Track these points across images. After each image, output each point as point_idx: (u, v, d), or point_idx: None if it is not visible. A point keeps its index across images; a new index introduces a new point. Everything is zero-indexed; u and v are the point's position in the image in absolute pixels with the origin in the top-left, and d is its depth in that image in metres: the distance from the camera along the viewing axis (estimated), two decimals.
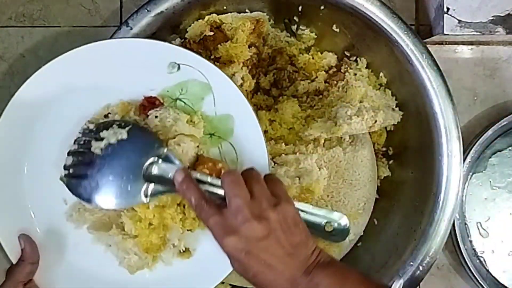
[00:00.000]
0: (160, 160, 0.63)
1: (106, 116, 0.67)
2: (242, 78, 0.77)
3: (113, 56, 0.66)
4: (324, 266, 0.56)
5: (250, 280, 0.56)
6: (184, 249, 0.67)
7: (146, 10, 0.73)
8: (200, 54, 0.77)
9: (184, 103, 0.68)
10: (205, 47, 0.77)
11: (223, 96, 0.67)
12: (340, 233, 0.62)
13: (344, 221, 0.62)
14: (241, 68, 0.76)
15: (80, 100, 0.67)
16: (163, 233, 0.65)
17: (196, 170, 0.64)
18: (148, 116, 0.66)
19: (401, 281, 0.56)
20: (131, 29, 0.73)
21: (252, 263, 0.55)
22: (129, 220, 0.64)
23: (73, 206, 0.67)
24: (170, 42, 0.78)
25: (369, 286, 0.56)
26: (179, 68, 0.67)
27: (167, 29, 0.77)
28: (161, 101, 0.67)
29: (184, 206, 0.66)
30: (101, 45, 0.66)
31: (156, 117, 0.66)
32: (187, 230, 0.67)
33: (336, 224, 0.62)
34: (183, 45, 0.78)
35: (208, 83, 0.67)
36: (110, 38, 0.73)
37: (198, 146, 0.67)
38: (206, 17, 0.78)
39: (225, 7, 0.78)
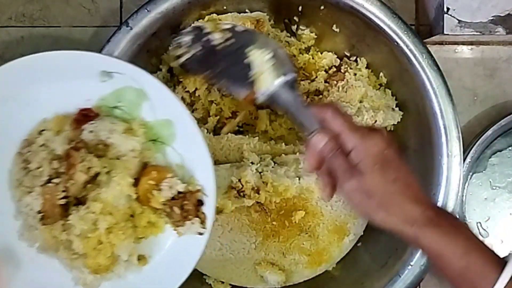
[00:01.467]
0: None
1: (40, 132, 0.66)
2: None
3: (45, 70, 0.64)
4: (441, 210, 0.55)
5: (380, 216, 0.54)
6: (138, 260, 0.66)
7: (146, 10, 0.73)
8: None
9: (123, 111, 0.67)
10: None
11: (160, 102, 0.66)
12: None
13: None
14: None
15: (16, 116, 0.66)
16: (111, 251, 0.64)
17: (141, 180, 0.65)
18: (83, 130, 0.65)
19: None
20: (131, 29, 0.73)
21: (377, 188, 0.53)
22: (76, 237, 0.63)
23: (24, 225, 0.66)
24: (170, 43, 0.78)
25: (493, 255, 0.53)
26: (111, 76, 0.66)
27: (167, 29, 0.77)
28: (97, 112, 0.66)
29: (132, 216, 0.66)
30: (31, 58, 0.64)
31: (90, 131, 0.65)
32: (140, 238, 0.67)
33: None
34: None
35: (142, 89, 0.66)
36: (110, 38, 0.73)
37: (141, 153, 0.66)
38: (206, 17, 0.78)
39: (225, 7, 0.78)
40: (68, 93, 0.66)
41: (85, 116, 0.66)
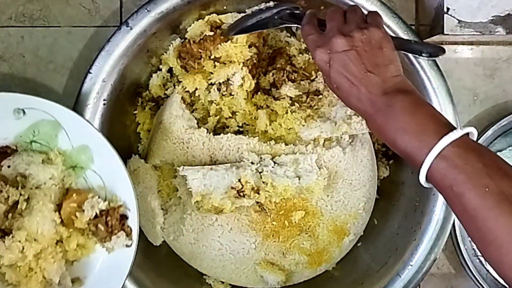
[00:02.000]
0: None
1: None
2: (242, 78, 0.77)
3: None
4: (403, 92, 0.59)
5: (336, 93, 0.63)
6: (72, 283, 0.69)
7: (146, 10, 0.73)
8: (200, 54, 0.77)
9: (40, 143, 0.71)
10: (205, 47, 0.77)
11: (74, 129, 0.69)
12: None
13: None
14: (241, 68, 0.76)
15: None
16: (42, 276, 0.66)
17: (63, 204, 0.68)
18: (2, 167, 0.68)
19: (475, 131, 0.56)
20: (131, 29, 0.73)
21: (334, 75, 0.61)
22: (7, 268, 0.66)
23: None
24: (170, 43, 0.78)
25: (438, 123, 0.57)
26: (24, 112, 0.69)
27: (167, 29, 0.77)
28: (14, 148, 0.70)
29: (62, 242, 0.69)
30: None
31: (8, 166, 0.68)
32: (73, 261, 0.70)
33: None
34: (183, 45, 0.78)
35: (56, 120, 0.69)
36: (110, 38, 0.73)
37: (62, 180, 0.70)
38: (206, 17, 0.78)
39: (225, 7, 0.78)
40: None
41: (3, 153, 0.70)
